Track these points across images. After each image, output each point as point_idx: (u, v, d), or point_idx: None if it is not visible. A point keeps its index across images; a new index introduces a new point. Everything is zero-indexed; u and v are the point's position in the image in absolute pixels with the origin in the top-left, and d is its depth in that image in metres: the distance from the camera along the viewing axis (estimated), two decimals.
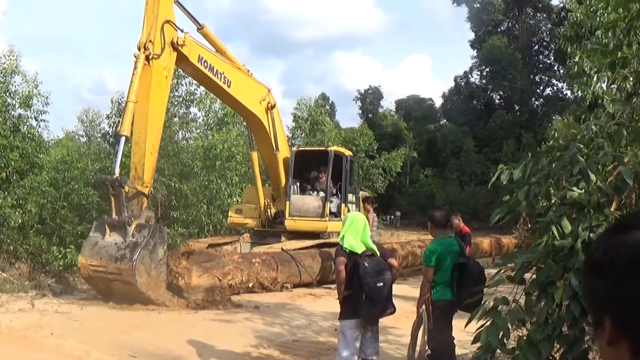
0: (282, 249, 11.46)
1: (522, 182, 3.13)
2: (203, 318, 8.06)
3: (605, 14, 6.89)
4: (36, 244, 12.62)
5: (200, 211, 16.78)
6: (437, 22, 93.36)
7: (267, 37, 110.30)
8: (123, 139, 9.06)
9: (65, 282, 10.75)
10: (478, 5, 42.36)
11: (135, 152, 9.37)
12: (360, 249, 4.70)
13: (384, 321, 5.30)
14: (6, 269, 11.05)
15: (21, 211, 12.71)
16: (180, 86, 18.51)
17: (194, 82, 16.96)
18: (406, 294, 8.40)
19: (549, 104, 38.98)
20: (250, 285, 10.09)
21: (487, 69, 41.03)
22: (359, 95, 47.65)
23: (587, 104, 8.24)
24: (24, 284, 9.93)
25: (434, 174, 38.49)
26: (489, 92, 41.86)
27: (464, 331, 3.58)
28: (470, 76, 43.61)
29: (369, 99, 47.05)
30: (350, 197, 13.48)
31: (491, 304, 2.94)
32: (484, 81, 42.10)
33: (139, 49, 9.11)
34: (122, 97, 18.21)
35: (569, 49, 12.63)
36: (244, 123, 16.14)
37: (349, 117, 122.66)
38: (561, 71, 37.01)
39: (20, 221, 12.48)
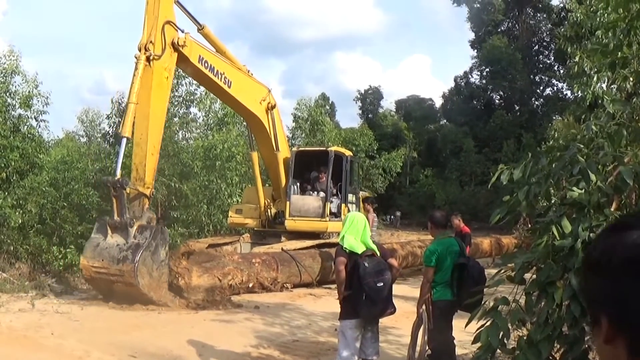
0: (282, 249, 11.46)
1: (522, 182, 3.13)
2: (203, 318, 8.06)
3: (605, 14, 6.89)
4: (36, 244, 12.63)
5: (200, 211, 16.79)
6: (437, 22, 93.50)
7: (267, 37, 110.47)
8: (124, 141, 9.03)
9: (65, 282, 10.76)
10: (478, 5, 42.37)
11: (136, 153, 9.36)
12: (360, 249, 4.71)
13: (384, 321, 5.30)
14: (6, 269, 11.06)
15: (21, 211, 12.72)
16: (180, 86, 18.53)
17: (194, 82, 16.97)
18: (406, 294, 8.40)
19: (549, 104, 38.98)
20: (251, 285, 10.09)
21: (487, 69, 41.04)
22: (359, 96, 47.71)
23: (587, 104, 8.24)
24: (24, 284, 9.93)
25: (434, 174, 38.50)
26: (489, 92, 41.87)
27: (464, 331, 3.58)
28: (470, 76, 43.66)
29: (369, 99, 47.06)
30: (351, 197, 13.48)
31: (491, 304, 2.94)
32: (484, 81, 42.11)
33: (140, 50, 9.10)
34: (122, 97, 18.27)
35: (569, 49, 12.63)
36: (244, 123, 16.14)
37: (349, 117, 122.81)
38: (561, 71, 37.02)
39: (20, 221, 12.49)
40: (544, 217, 3.07)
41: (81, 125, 35.16)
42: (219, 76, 10.70)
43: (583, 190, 2.87)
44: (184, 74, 15.88)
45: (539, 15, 42.48)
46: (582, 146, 3.09)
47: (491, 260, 15.55)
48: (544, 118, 36.36)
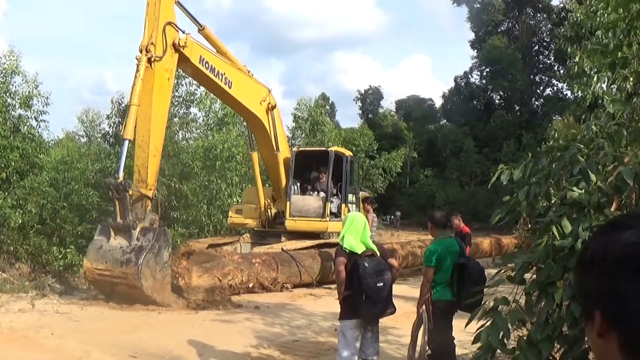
0: (282, 249, 11.45)
1: (522, 183, 3.13)
2: (203, 318, 8.06)
3: (605, 14, 6.89)
4: (36, 244, 12.64)
5: (200, 211, 16.79)
6: (437, 22, 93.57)
7: (267, 38, 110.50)
8: (126, 143, 9.00)
9: (65, 282, 10.76)
10: (478, 5, 42.40)
11: (138, 155, 9.36)
12: (360, 249, 4.71)
13: (384, 321, 5.30)
14: (6, 269, 11.08)
15: (21, 211, 12.73)
16: (180, 86, 18.52)
17: (194, 82, 16.97)
18: (406, 294, 8.41)
19: (549, 104, 39.01)
20: (251, 285, 10.09)
21: (487, 69, 41.07)
22: (359, 96, 47.76)
23: (587, 104, 8.25)
24: (24, 284, 9.94)
25: (434, 174, 38.53)
26: (489, 92, 41.89)
27: (464, 331, 3.58)
28: (470, 76, 43.71)
29: (369, 99, 47.09)
30: (351, 197, 13.48)
31: (491, 304, 2.93)
32: (484, 81, 42.14)
33: (141, 52, 9.09)
34: (122, 98, 18.31)
35: (569, 49, 12.62)
36: (244, 123, 16.14)
37: (349, 117, 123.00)
38: (561, 71, 37.05)
39: (20, 221, 12.50)
40: (544, 217, 3.07)
41: (81, 125, 35.26)
42: (220, 77, 10.70)
43: (583, 190, 2.87)
44: (184, 74, 15.88)
45: (539, 15, 42.50)
46: (582, 146, 3.09)
47: (491, 260, 15.55)
48: (544, 118, 36.40)
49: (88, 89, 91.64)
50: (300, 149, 14.67)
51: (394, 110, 46.39)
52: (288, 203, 12.80)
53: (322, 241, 12.48)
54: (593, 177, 2.80)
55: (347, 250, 4.70)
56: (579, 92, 9.26)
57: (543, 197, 3.16)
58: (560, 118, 20.61)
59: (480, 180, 33.89)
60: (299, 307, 9.25)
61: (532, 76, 41.64)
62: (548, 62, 42.06)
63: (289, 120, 31.23)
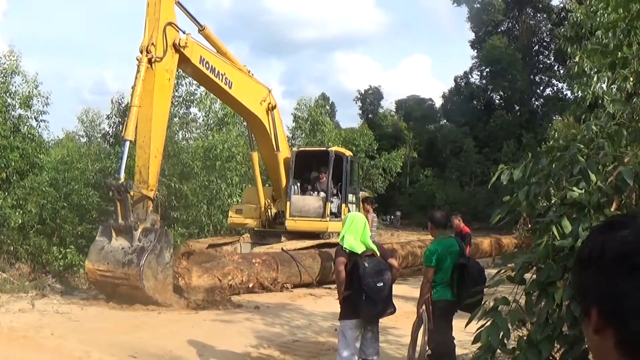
0: (282, 249, 11.46)
1: (522, 183, 3.13)
2: (203, 318, 8.06)
3: (606, 14, 6.89)
4: (36, 244, 12.64)
5: (200, 211, 16.78)
6: (437, 22, 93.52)
7: (267, 37, 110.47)
8: (127, 144, 9.00)
9: (65, 282, 10.76)
10: (478, 5, 42.41)
11: (139, 156, 9.36)
12: (360, 249, 4.71)
13: (384, 321, 5.30)
14: (6, 269, 11.07)
15: (21, 211, 12.73)
16: (180, 86, 18.51)
17: (194, 82, 16.96)
18: (406, 294, 8.41)
19: (549, 104, 39.01)
20: (251, 285, 10.09)
21: (487, 69, 41.08)
22: (359, 96, 47.75)
23: (587, 104, 8.25)
24: (24, 284, 9.94)
25: (434, 174, 38.53)
26: (489, 92, 41.89)
27: (464, 331, 3.58)
28: (470, 76, 43.72)
29: (369, 99, 47.09)
30: (351, 197, 13.48)
31: (491, 304, 2.93)
32: (484, 81, 42.15)
33: (141, 52, 9.09)
34: (123, 98, 18.30)
35: (569, 49, 12.62)
36: (244, 123, 16.14)
37: (349, 117, 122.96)
38: (561, 71, 37.06)
39: (20, 221, 12.50)
40: (544, 217, 3.06)
41: (81, 125, 35.28)
42: (220, 77, 10.69)
43: (583, 190, 2.87)
44: (184, 74, 15.88)
45: (539, 15, 42.51)
46: (582, 146, 3.09)
47: (491, 260, 15.55)
48: (544, 118, 36.40)
49: (88, 89, 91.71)
50: (301, 149, 14.67)
51: (394, 110, 46.41)
52: (288, 203, 12.80)
53: (322, 241, 12.48)
54: (593, 177, 2.80)
55: (347, 250, 4.71)
56: (579, 92, 9.26)
57: (543, 197, 3.16)
58: (560, 118, 20.62)
59: (480, 180, 33.90)
60: (299, 307, 9.25)
61: (532, 76, 41.65)
62: (548, 62, 42.08)
63: (289, 120, 31.27)
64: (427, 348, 5.44)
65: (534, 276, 2.94)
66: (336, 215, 12.76)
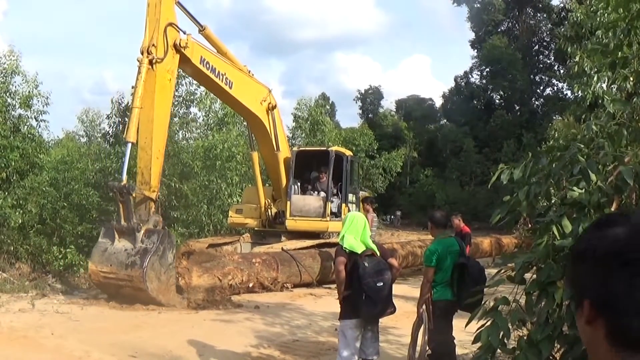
0: (282, 249, 11.46)
1: (522, 182, 3.13)
2: (203, 318, 8.06)
3: (606, 14, 6.88)
4: (36, 244, 12.63)
5: (200, 211, 16.77)
6: (437, 22, 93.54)
7: (267, 37, 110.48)
8: (129, 145, 9.00)
9: (65, 282, 10.76)
10: (478, 5, 42.41)
11: (141, 157, 9.36)
12: (360, 248, 4.71)
13: (384, 321, 5.30)
14: (6, 269, 11.07)
15: (21, 211, 12.72)
16: (180, 86, 18.49)
17: (194, 82, 16.96)
18: (406, 294, 8.41)
19: (549, 104, 39.02)
20: (251, 285, 10.09)
21: (487, 69, 41.08)
22: (359, 95, 47.76)
23: (587, 104, 8.25)
24: (24, 284, 9.94)
25: (434, 174, 38.54)
26: (489, 92, 41.90)
27: (464, 331, 3.58)
28: (470, 76, 43.73)
29: (369, 99, 47.10)
30: (351, 197, 13.49)
31: (491, 304, 2.93)
32: (484, 81, 42.15)
33: (142, 53, 9.08)
34: (123, 97, 18.30)
35: (569, 49, 12.61)
36: (244, 123, 16.13)
37: (349, 117, 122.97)
38: (561, 71, 37.06)
39: (20, 221, 12.49)
40: (544, 217, 3.06)
41: (81, 125, 35.28)
42: (220, 77, 10.70)
43: (583, 190, 2.87)
44: (184, 74, 15.88)
45: (539, 15, 42.51)
46: (582, 146, 3.08)
47: (491, 260, 15.55)
48: (544, 118, 36.40)
49: (88, 89, 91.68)
50: (301, 148, 14.67)
51: (394, 110, 46.43)
52: (288, 203, 12.80)
53: (322, 241, 12.48)
54: (593, 177, 2.80)
55: (347, 250, 4.70)
56: (579, 92, 9.27)
57: (543, 197, 3.16)
58: (560, 118, 20.62)
59: (480, 180, 33.90)
60: (299, 307, 9.25)
61: (532, 76, 41.65)
62: (548, 62, 42.09)
63: (289, 120, 31.26)
64: (427, 348, 5.44)
65: (534, 276, 2.94)
66: (336, 215, 12.76)
